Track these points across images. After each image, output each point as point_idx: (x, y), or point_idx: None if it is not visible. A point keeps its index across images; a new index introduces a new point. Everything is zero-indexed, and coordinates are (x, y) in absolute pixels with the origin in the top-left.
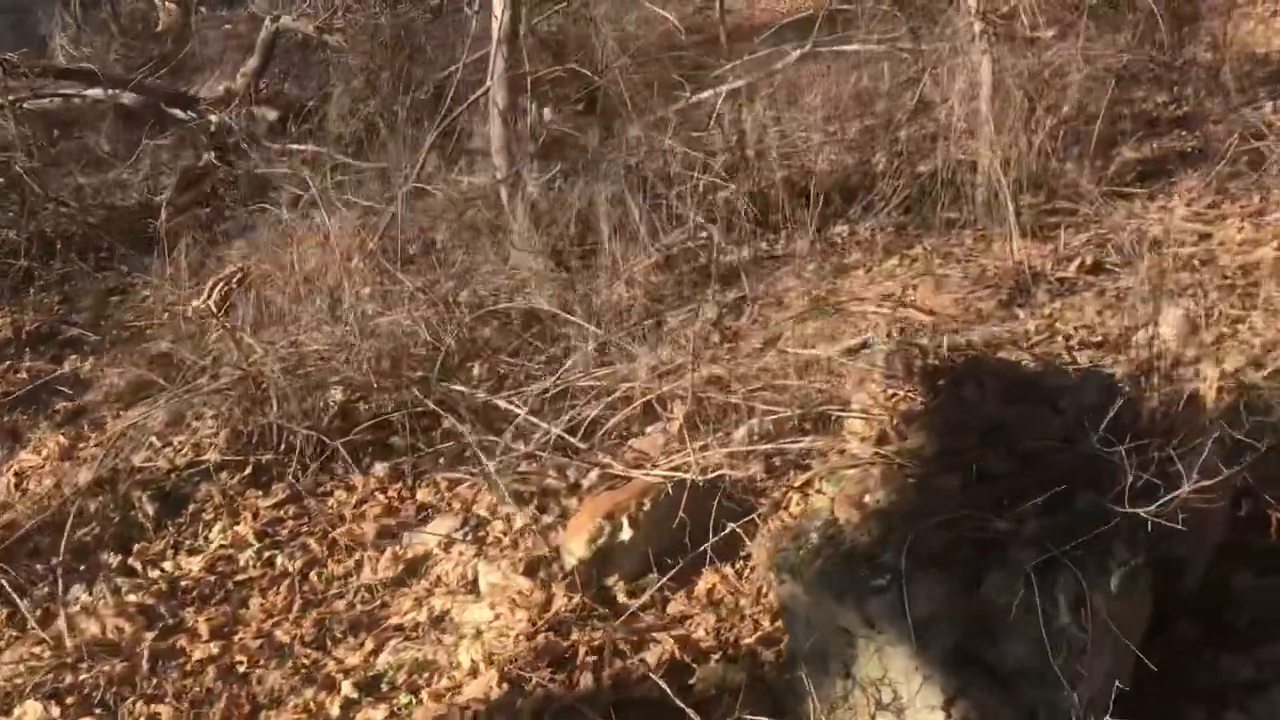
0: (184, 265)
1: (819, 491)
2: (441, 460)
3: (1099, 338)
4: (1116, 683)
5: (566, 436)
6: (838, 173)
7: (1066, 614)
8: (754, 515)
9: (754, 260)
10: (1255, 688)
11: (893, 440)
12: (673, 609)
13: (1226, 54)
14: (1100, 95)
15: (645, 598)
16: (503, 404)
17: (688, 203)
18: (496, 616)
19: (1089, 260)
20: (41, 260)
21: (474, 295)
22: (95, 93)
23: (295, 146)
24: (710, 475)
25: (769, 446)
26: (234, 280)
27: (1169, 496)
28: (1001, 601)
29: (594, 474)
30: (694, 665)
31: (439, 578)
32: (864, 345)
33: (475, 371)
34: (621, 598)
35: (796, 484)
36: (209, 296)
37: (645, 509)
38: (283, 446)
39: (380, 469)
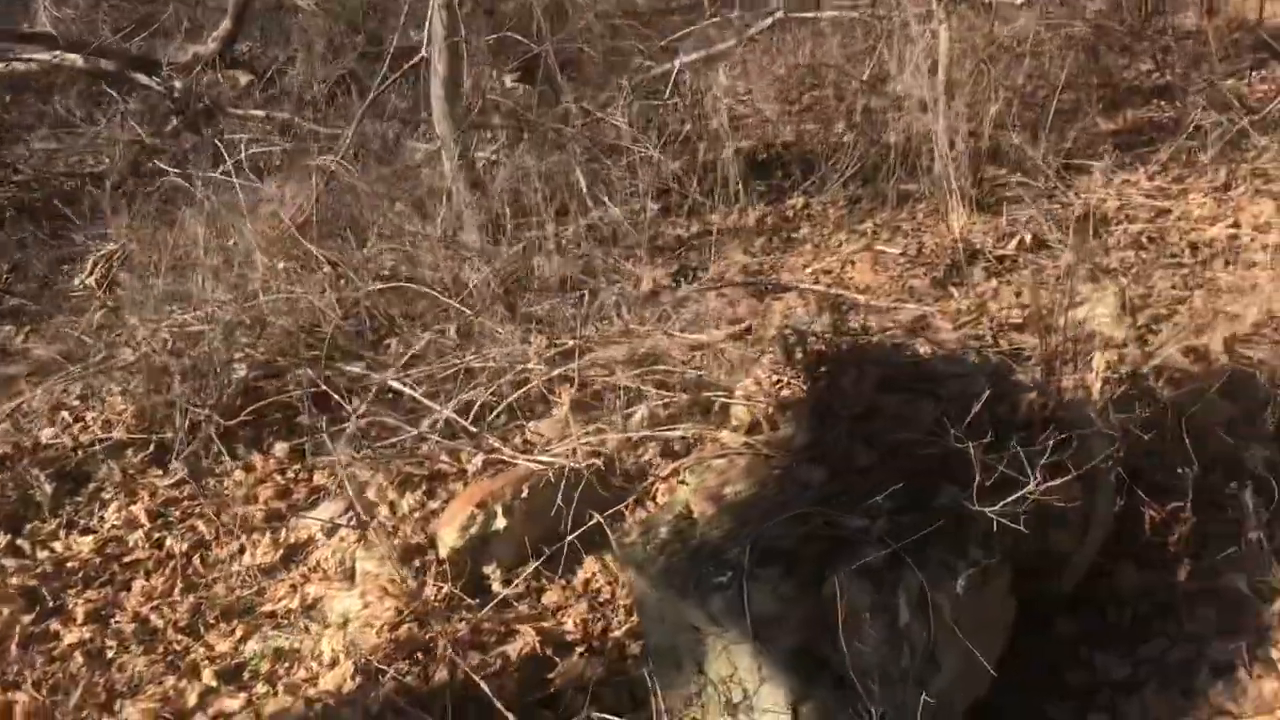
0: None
1: (682, 482)
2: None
3: (1024, 319)
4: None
5: (456, 418)
6: (797, 144)
7: (907, 615)
8: (621, 505)
9: (702, 233)
10: (1129, 687)
11: (765, 429)
12: (549, 598)
13: (1212, 21)
14: (1071, 64)
15: (511, 589)
16: (396, 384)
17: (638, 174)
18: (365, 606)
19: (1028, 237)
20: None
21: (406, 268)
22: (71, 58)
23: (256, 112)
24: (585, 463)
25: (645, 433)
26: (113, 257)
27: (1014, 496)
28: (844, 601)
29: (479, 459)
30: (556, 658)
31: (318, 564)
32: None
33: (393, 348)
34: (497, 587)
35: (664, 474)
36: (90, 273)
37: (522, 496)
38: (187, 425)
39: (281, 449)
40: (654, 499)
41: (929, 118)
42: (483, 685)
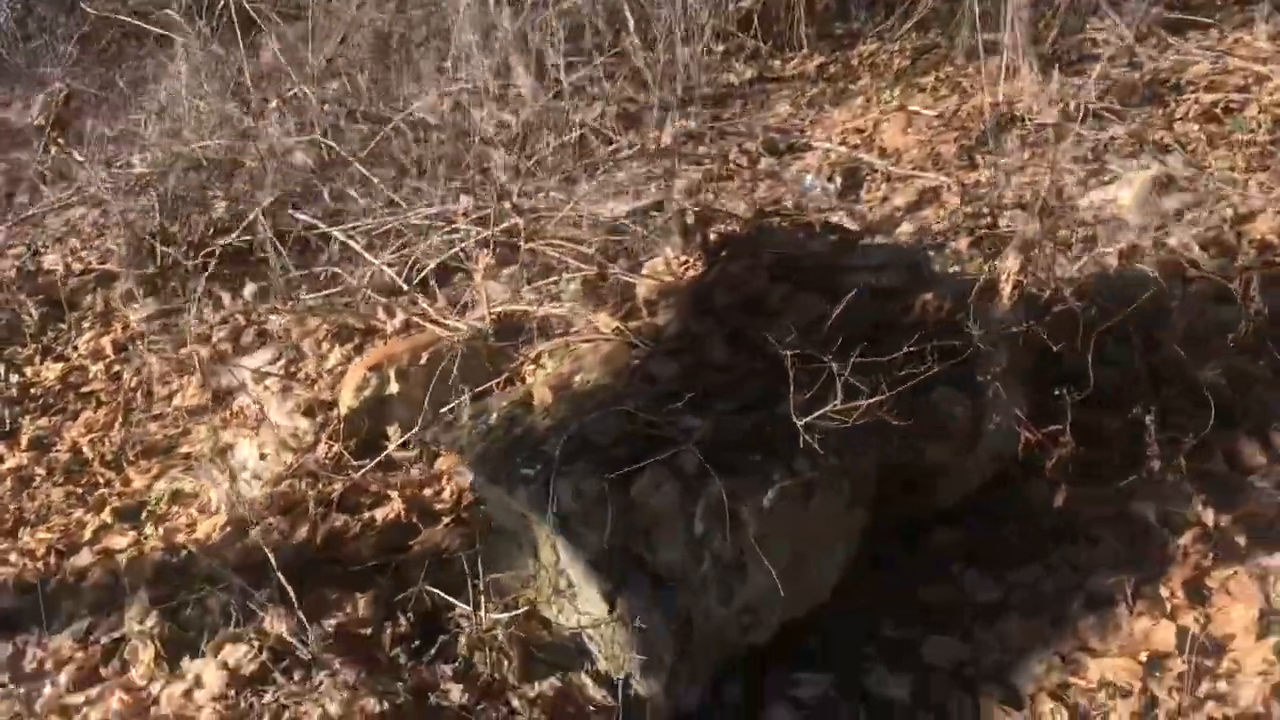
0: (186, 61)
1: (541, 366)
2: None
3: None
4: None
5: (391, 274)
6: None
7: (701, 526)
8: (492, 384)
9: (756, 80)
10: (994, 611)
11: (642, 315)
12: (441, 464)
13: None
14: None
15: (403, 453)
16: (339, 235)
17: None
18: (262, 457)
19: (1073, 105)
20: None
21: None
22: None
23: None
24: (470, 334)
25: (524, 308)
26: (60, 98)
27: (819, 412)
28: (651, 503)
29: (399, 318)
30: (421, 526)
31: (240, 410)
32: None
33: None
34: (394, 451)
35: (532, 355)
36: (40, 114)
37: (421, 362)
38: (171, 260)
39: (250, 290)
40: (522, 379)
41: None
42: (269, 555)
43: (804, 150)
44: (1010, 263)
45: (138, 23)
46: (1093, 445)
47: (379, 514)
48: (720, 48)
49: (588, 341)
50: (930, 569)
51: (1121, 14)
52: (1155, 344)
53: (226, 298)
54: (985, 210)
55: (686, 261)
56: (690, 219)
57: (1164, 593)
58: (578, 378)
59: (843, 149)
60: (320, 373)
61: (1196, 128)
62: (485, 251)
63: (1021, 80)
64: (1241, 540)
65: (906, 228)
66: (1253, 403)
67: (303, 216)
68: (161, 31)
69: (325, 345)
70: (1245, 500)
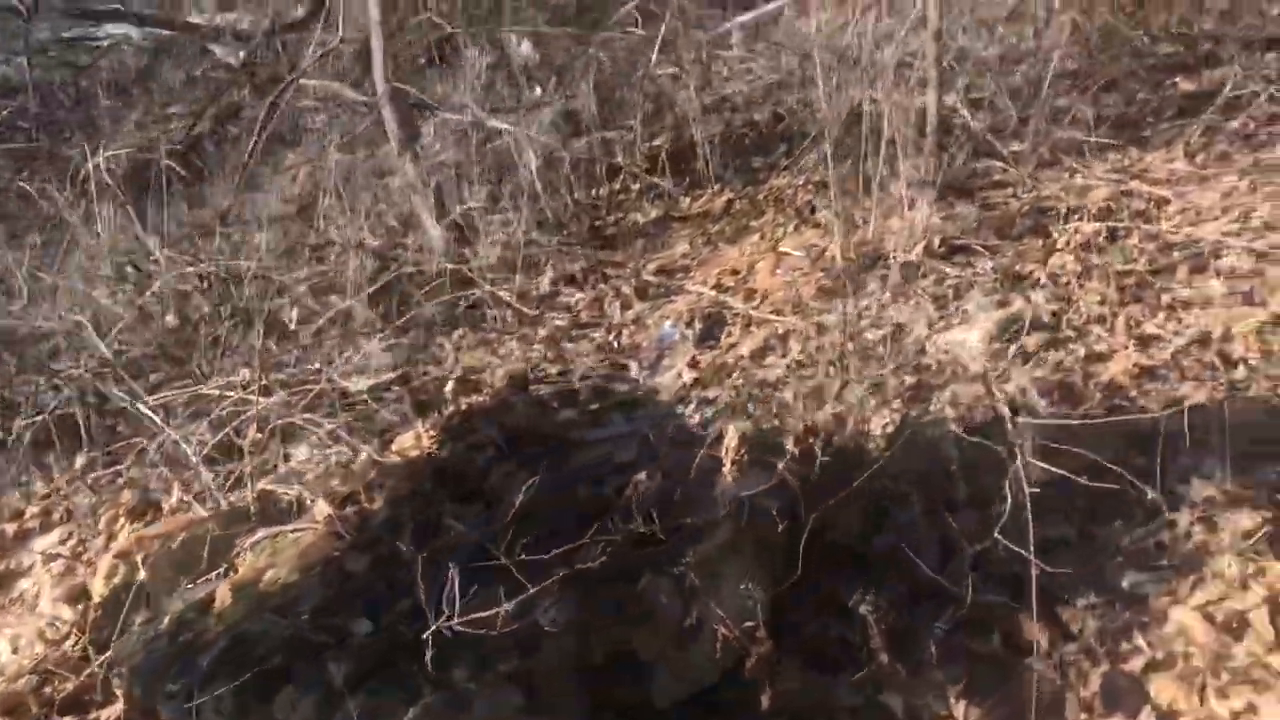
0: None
1: (241, 562)
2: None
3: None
4: None
5: (184, 445)
6: (801, 112)
7: None
8: (210, 574)
9: (662, 219)
10: None
11: (363, 500)
12: None
13: None
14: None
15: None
16: (145, 410)
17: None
18: (14, 650)
19: (937, 241)
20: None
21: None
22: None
23: (323, 83)
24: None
25: (264, 485)
26: None
27: (441, 622)
28: None
29: (176, 495)
30: None
31: (22, 595)
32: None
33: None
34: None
35: (246, 545)
36: None
37: (172, 547)
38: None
39: (81, 461)
40: (235, 571)
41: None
42: None
43: (678, 294)
44: (729, 437)
45: None
46: (848, 627)
47: (105, 714)
48: (636, 186)
49: (296, 531)
50: None
51: (1023, 139)
52: (941, 509)
53: (57, 472)
54: (818, 359)
55: (434, 437)
56: (450, 387)
57: None
58: (269, 574)
59: (712, 293)
60: (104, 553)
61: (1073, 259)
62: (253, 426)
63: (905, 214)
64: None
65: (737, 380)
66: (1026, 574)
67: (113, 392)
68: None
69: (119, 522)
70: (1017, 685)
